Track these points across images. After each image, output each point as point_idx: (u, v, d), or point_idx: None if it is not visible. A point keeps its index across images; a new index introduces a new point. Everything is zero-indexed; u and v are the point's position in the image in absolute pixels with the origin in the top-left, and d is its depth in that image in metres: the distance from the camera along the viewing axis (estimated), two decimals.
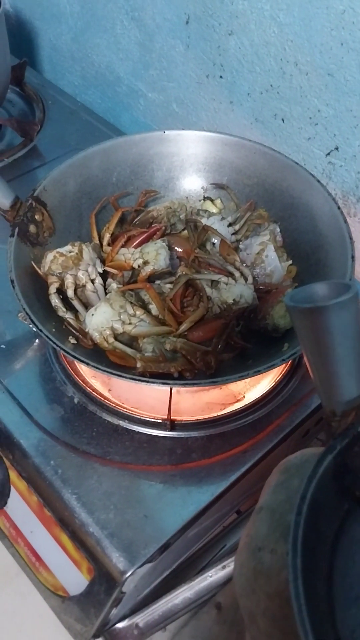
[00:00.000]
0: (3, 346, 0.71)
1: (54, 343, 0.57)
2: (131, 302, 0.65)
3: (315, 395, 0.68)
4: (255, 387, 0.69)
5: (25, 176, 0.94)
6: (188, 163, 0.79)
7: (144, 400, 0.67)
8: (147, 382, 0.56)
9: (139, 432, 0.64)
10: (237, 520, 0.74)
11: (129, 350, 0.60)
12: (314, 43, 0.68)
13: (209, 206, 0.78)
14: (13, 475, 0.64)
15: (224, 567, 0.63)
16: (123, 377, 0.55)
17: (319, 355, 0.39)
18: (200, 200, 0.79)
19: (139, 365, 0.60)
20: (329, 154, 0.74)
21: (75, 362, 0.68)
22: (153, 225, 0.73)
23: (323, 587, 0.38)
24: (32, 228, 0.68)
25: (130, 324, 0.63)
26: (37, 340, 0.72)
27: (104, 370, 0.55)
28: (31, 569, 0.64)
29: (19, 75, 1.07)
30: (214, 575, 0.62)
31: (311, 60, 0.69)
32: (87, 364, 0.56)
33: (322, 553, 0.39)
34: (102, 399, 0.66)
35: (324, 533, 0.39)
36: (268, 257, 0.69)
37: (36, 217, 0.69)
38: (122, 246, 0.70)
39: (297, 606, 0.33)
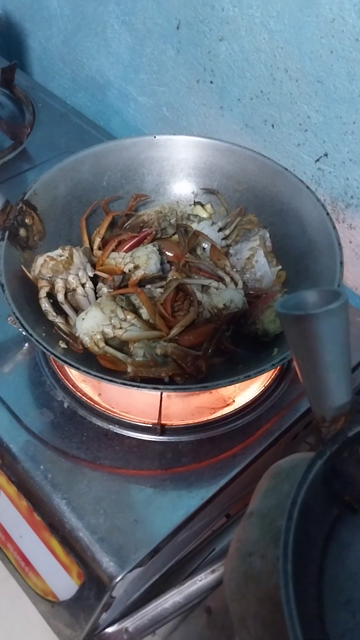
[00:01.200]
0: None
1: (45, 348, 0.57)
2: (122, 307, 0.65)
3: (304, 400, 0.69)
4: (245, 391, 0.69)
5: (14, 179, 0.94)
6: (179, 168, 0.79)
7: (134, 404, 0.67)
8: (138, 387, 0.56)
9: (129, 436, 0.64)
10: (227, 524, 0.74)
11: (119, 355, 0.61)
12: (304, 50, 0.68)
13: (199, 211, 0.78)
14: (2, 479, 0.63)
15: (213, 571, 0.63)
16: (114, 382, 0.55)
17: (309, 361, 0.39)
18: (190, 205, 0.80)
19: (129, 369, 0.61)
20: (318, 160, 0.75)
21: (65, 367, 0.68)
22: (144, 230, 0.73)
23: (313, 591, 0.38)
24: (22, 232, 0.68)
25: (121, 328, 0.63)
26: (26, 344, 0.72)
27: (95, 375, 0.55)
28: (20, 574, 0.64)
29: (8, 77, 1.07)
30: (203, 579, 0.62)
31: (301, 67, 0.70)
32: (78, 368, 0.56)
33: (312, 558, 0.39)
34: (92, 403, 0.66)
35: (314, 538, 0.40)
36: (258, 262, 0.69)
37: (26, 220, 0.69)
38: (113, 250, 0.71)
39: (288, 611, 0.33)
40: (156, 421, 0.65)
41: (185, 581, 0.62)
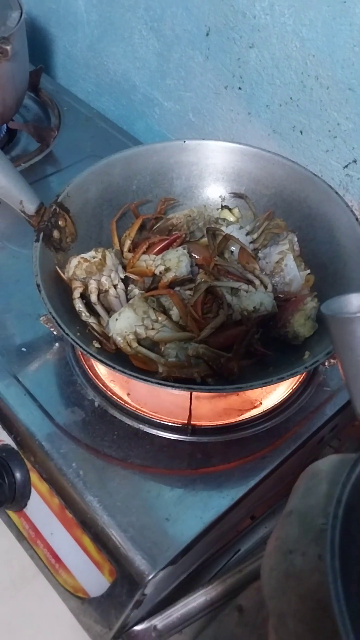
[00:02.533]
0: (24, 349, 0.72)
1: (82, 348, 0.58)
2: (154, 308, 0.66)
3: (331, 403, 0.70)
4: (272, 394, 0.70)
5: (39, 182, 0.95)
6: (207, 172, 0.80)
7: (162, 404, 0.68)
8: (173, 386, 0.57)
9: (159, 436, 0.65)
10: (251, 526, 0.75)
11: (152, 355, 0.61)
12: (336, 58, 0.69)
13: (227, 215, 0.79)
14: (34, 477, 0.64)
15: (240, 571, 0.63)
16: (149, 381, 0.56)
17: (353, 362, 0.40)
18: (218, 209, 0.81)
19: (161, 369, 0.62)
20: (346, 166, 0.75)
21: (95, 366, 0.69)
22: (173, 233, 0.74)
23: (356, 589, 0.39)
24: (55, 233, 0.69)
25: (153, 329, 0.64)
26: (57, 344, 0.73)
27: (131, 375, 0.56)
28: (50, 571, 0.65)
29: (34, 81, 1.09)
30: (231, 578, 0.63)
31: (332, 74, 0.70)
32: (114, 368, 0.57)
33: (354, 556, 0.40)
34: (122, 402, 0.67)
35: (356, 537, 0.40)
36: (287, 266, 0.70)
37: (59, 222, 0.70)
38: (144, 253, 0.71)
39: (338, 607, 0.34)
40: (186, 421, 0.65)
41: (213, 580, 0.63)
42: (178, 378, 0.61)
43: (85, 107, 1.11)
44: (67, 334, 0.59)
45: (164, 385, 0.56)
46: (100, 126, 1.07)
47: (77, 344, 0.58)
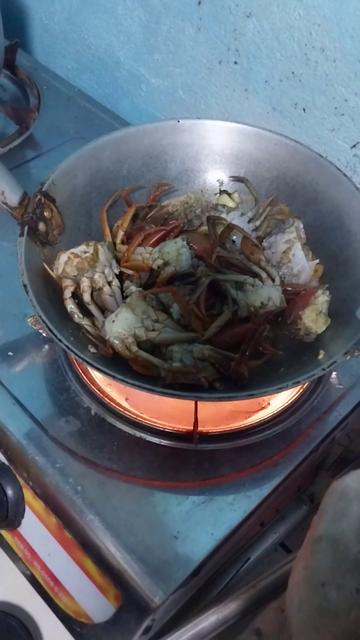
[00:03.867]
0: (10, 353, 0.66)
1: (77, 355, 0.52)
2: (153, 307, 0.60)
3: (344, 402, 0.65)
4: (281, 394, 0.65)
5: (20, 168, 0.89)
6: (203, 154, 0.74)
7: (164, 409, 0.63)
8: (179, 396, 0.51)
9: (162, 445, 0.60)
10: (260, 532, 0.70)
11: (155, 361, 0.56)
12: (344, 27, 0.63)
13: (226, 200, 0.74)
14: (28, 494, 0.59)
15: (254, 587, 0.59)
16: (153, 391, 0.51)
17: None
18: (216, 194, 0.75)
19: (163, 374, 0.56)
20: (354, 146, 0.70)
21: (91, 370, 0.64)
22: (170, 222, 0.68)
23: None
24: (41, 226, 0.63)
25: (153, 330, 0.58)
26: (46, 346, 0.67)
27: (136, 385, 0.51)
28: (49, 594, 0.60)
29: (10, 57, 1.01)
30: (245, 595, 0.59)
31: (340, 46, 0.65)
32: (114, 377, 0.51)
33: None
34: (121, 409, 0.62)
35: None
36: (295, 256, 0.65)
37: (45, 214, 0.64)
38: (139, 245, 0.66)
39: None
40: (191, 428, 0.61)
41: (224, 594, 0.59)
42: (183, 384, 0.55)
43: (66, 85, 1.04)
44: (60, 341, 0.53)
45: (170, 394, 0.51)
46: (82, 106, 1.00)
47: (71, 351, 0.53)
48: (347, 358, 0.58)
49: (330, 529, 0.41)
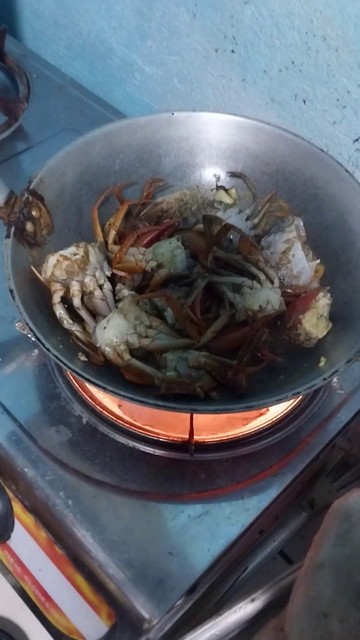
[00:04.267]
0: None
1: (66, 365, 0.50)
2: (146, 311, 0.58)
3: (346, 408, 0.63)
4: None
5: (10, 161, 0.85)
6: (199, 148, 0.71)
7: (159, 415, 0.61)
8: (174, 408, 0.49)
9: (157, 455, 0.58)
10: (259, 541, 0.68)
11: (148, 370, 0.54)
12: (347, 15, 0.60)
13: (223, 196, 0.71)
14: (17, 507, 0.57)
15: (252, 600, 0.57)
16: (147, 403, 0.48)
17: None
18: (212, 190, 0.72)
19: (157, 382, 0.54)
20: (357, 140, 0.67)
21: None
22: (165, 221, 0.66)
23: None
24: (29, 226, 0.60)
25: (147, 337, 0.56)
26: (36, 350, 0.64)
27: (128, 397, 0.48)
28: (40, 609, 0.58)
29: None
30: (242, 609, 0.57)
31: (343, 34, 0.61)
32: (104, 388, 0.49)
33: None
34: (114, 418, 0.60)
35: None
36: (295, 256, 0.62)
37: (33, 213, 0.61)
38: (131, 245, 0.63)
39: None
40: (186, 436, 0.58)
41: (223, 611, 0.57)
42: (178, 394, 0.53)
43: (56, 73, 1.00)
44: (47, 350, 0.51)
45: (163, 407, 0.48)
46: (74, 95, 0.96)
47: (60, 360, 0.50)
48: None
49: (332, 554, 0.39)
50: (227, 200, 0.71)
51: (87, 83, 1.02)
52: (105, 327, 0.55)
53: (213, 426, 0.61)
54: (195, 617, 0.63)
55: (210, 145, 0.71)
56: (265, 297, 0.59)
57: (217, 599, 0.65)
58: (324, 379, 0.51)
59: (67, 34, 1.01)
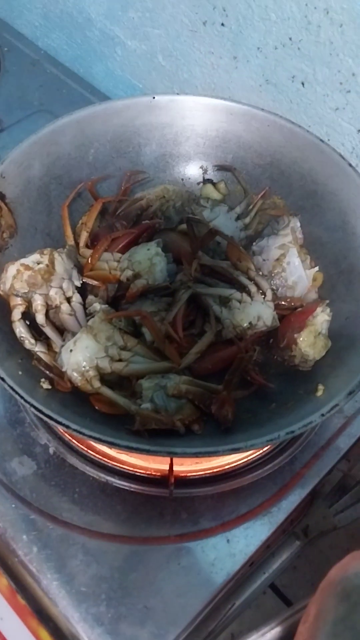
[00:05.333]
0: None
1: (23, 398, 0.43)
2: (120, 329, 0.51)
3: (346, 434, 0.57)
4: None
5: None
6: (183, 137, 0.64)
7: None
8: (148, 451, 0.42)
9: (132, 491, 0.52)
10: (247, 574, 0.63)
11: (121, 401, 0.47)
12: None
13: (210, 192, 0.63)
14: None
15: None
16: (118, 445, 0.42)
17: None
18: (198, 184, 0.64)
19: (132, 411, 0.47)
20: None
21: None
22: (143, 222, 0.58)
23: None
24: None
25: (120, 360, 0.49)
26: None
27: (95, 438, 0.41)
28: None
29: None
30: None
31: (349, 7, 0.53)
32: (68, 427, 0.42)
33: None
34: (84, 448, 0.53)
35: None
36: (290, 264, 0.55)
37: None
38: (105, 250, 0.55)
39: None
40: (166, 468, 0.52)
41: None
42: (155, 429, 0.46)
43: (31, 46, 0.92)
44: (2, 380, 0.44)
45: (136, 450, 0.42)
46: (50, 71, 0.88)
47: (16, 392, 0.43)
48: None
49: None
50: (215, 195, 0.63)
51: (65, 58, 0.93)
52: (72, 350, 0.48)
53: None
54: None
55: (197, 133, 0.64)
56: (256, 313, 0.52)
57: (202, 638, 0.60)
58: (322, 414, 0.44)
59: (42, 1, 0.92)
